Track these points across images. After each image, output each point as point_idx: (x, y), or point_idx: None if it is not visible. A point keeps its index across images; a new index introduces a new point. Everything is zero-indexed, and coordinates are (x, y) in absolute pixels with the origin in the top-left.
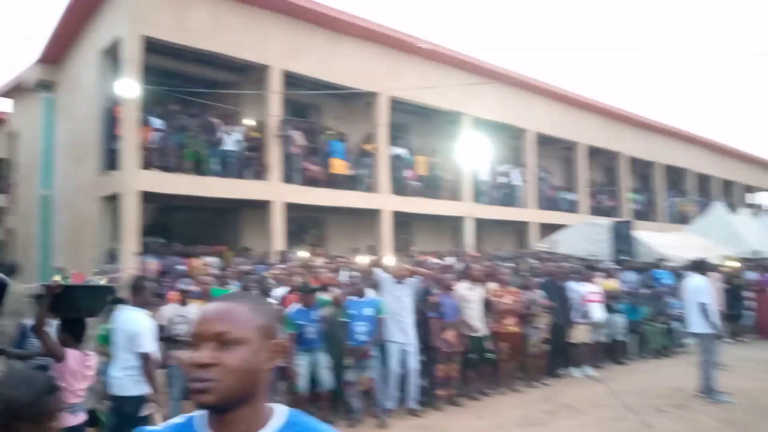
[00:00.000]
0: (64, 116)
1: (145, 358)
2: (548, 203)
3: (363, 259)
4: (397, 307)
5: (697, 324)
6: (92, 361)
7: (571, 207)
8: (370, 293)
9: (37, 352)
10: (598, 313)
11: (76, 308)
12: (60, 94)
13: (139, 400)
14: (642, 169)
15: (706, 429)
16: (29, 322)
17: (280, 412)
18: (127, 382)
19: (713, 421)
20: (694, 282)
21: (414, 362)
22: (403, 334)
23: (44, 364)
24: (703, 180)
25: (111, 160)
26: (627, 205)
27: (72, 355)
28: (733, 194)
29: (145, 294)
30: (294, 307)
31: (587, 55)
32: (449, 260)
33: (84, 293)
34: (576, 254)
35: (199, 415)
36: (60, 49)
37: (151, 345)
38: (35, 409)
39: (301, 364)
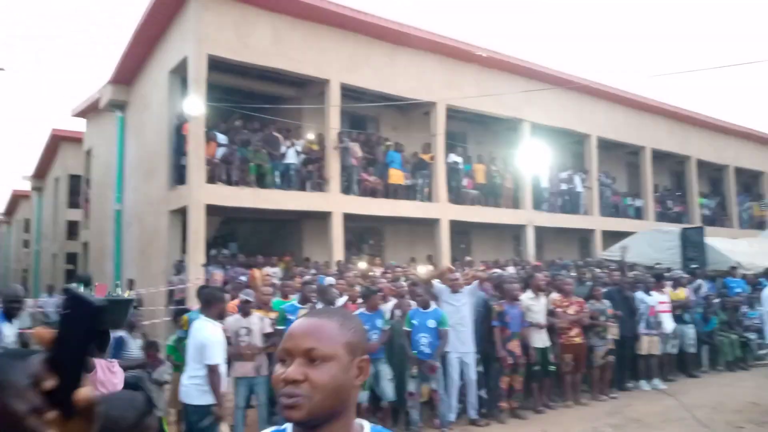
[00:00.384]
0: (135, 134)
1: (211, 369)
2: (613, 210)
3: (422, 269)
4: (456, 318)
5: None
6: (116, 369)
7: (638, 214)
8: (433, 305)
9: (137, 362)
10: (667, 323)
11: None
12: (131, 113)
13: (203, 410)
14: (712, 172)
15: None
16: (124, 333)
17: (366, 428)
18: (193, 390)
19: None
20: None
21: (473, 373)
22: (461, 344)
23: (139, 376)
24: None
25: (179, 175)
26: (697, 210)
27: (99, 364)
28: None
29: (220, 306)
30: (357, 312)
31: (652, 56)
32: (510, 270)
33: (107, 306)
34: (643, 263)
35: (290, 428)
36: (131, 69)
37: (218, 357)
38: (137, 430)
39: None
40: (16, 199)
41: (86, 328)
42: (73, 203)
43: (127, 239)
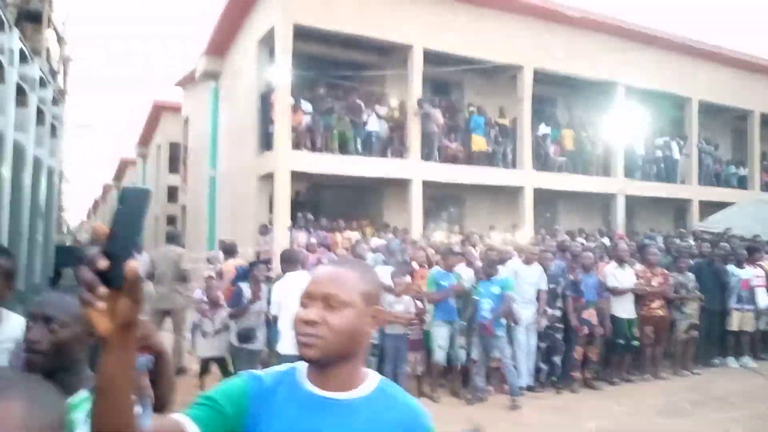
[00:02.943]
0: (227, 103)
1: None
2: (714, 179)
3: (496, 238)
4: (528, 289)
5: None
6: None
7: (742, 183)
8: (500, 272)
9: (244, 308)
10: (762, 299)
11: None
12: (224, 83)
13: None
14: None
15: None
16: (244, 286)
17: (373, 378)
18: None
19: None
20: None
21: (533, 341)
22: (527, 314)
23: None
24: None
25: (267, 142)
26: None
27: None
28: None
29: (297, 265)
30: (436, 268)
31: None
32: (597, 240)
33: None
34: (744, 235)
35: (302, 366)
36: (223, 40)
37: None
38: None
39: (441, 336)
40: (124, 165)
41: (139, 212)
42: (173, 169)
43: (220, 203)
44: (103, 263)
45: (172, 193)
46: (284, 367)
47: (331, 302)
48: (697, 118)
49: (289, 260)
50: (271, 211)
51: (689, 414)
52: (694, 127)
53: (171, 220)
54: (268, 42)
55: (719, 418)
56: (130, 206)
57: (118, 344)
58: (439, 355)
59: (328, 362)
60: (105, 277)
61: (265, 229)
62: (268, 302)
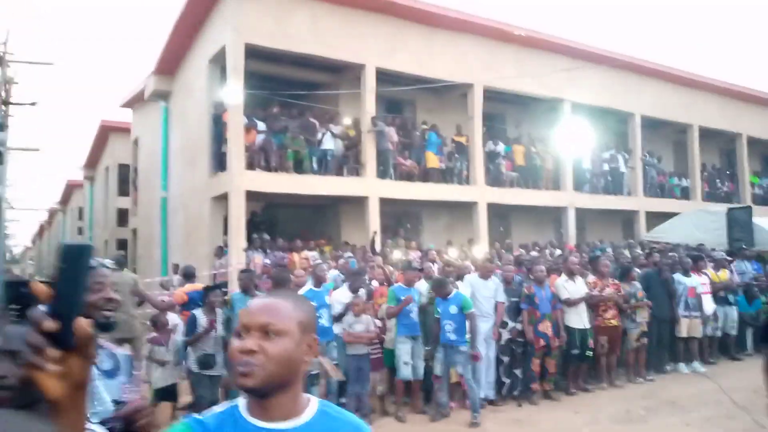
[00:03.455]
0: (178, 123)
1: None
2: (658, 190)
3: (453, 253)
4: (486, 304)
5: None
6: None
7: (684, 194)
8: (455, 289)
9: (201, 335)
10: (708, 305)
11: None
12: (174, 102)
13: None
14: (766, 150)
15: None
16: (198, 312)
17: (313, 402)
18: None
19: None
20: None
21: (492, 353)
22: (485, 327)
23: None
24: None
25: (220, 163)
26: (748, 190)
27: None
28: None
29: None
30: (397, 284)
31: (698, 31)
32: (548, 252)
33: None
34: (688, 243)
35: (241, 402)
36: (173, 60)
37: None
38: None
39: (405, 351)
40: (71, 188)
41: (82, 270)
42: (123, 191)
43: (173, 225)
44: (51, 325)
45: (122, 216)
46: (224, 405)
47: (268, 331)
48: (640, 133)
49: (280, 280)
50: (225, 232)
51: (644, 420)
52: (638, 141)
53: (122, 245)
54: (219, 61)
55: (673, 422)
56: (71, 263)
57: (71, 407)
58: (405, 372)
59: (267, 392)
60: (54, 337)
61: (220, 252)
62: (224, 326)
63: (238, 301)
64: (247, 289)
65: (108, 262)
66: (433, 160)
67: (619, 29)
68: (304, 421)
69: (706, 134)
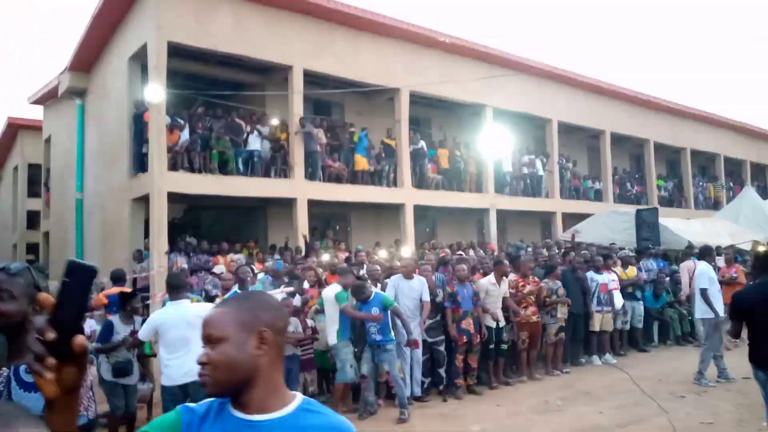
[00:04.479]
0: (95, 122)
1: None
2: (574, 193)
3: (382, 254)
4: (411, 303)
5: (699, 310)
6: None
7: (598, 196)
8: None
9: (117, 344)
10: (618, 301)
11: None
12: (90, 100)
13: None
14: (670, 155)
15: (723, 413)
16: (115, 318)
17: (296, 398)
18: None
19: (731, 406)
20: (698, 268)
21: (418, 353)
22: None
23: (129, 358)
24: (734, 165)
25: (140, 163)
26: (655, 192)
27: None
28: (766, 178)
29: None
30: (336, 288)
31: (611, 41)
32: (471, 252)
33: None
34: (600, 243)
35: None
36: (89, 56)
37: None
38: None
39: (348, 353)
40: None
41: (84, 288)
42: (33, 192)
43: (89, 228)
44: (51, 335)
45: (33, 219)
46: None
47: (210, 341)
48: (557, 137)
49: (175, 286)
50: (146, 235)
51: (562, 410)
52: (554, 146)
53: (32, 249)
54: (140, 59)
55: (587, 411)
56: (76, 280)
57: (64, 406)
58: (350, 375)
59: (228, 394)
60: (53, 347)
61: (140, 255)
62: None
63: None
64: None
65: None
66: (362, 163)
67: (538, 38)
68: (281, 414)
69: (617, 140)
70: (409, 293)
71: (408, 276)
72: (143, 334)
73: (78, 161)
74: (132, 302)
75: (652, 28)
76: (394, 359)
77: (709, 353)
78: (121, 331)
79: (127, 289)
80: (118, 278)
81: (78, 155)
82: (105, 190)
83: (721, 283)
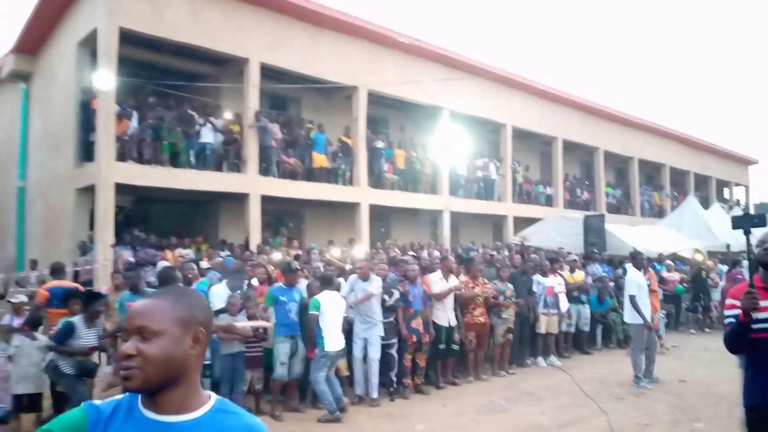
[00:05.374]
0: (40, 107)
1: None
2: (525, 197)
3: (335, 253)
4: (366, 304)
5: (628, 315)
6: None
7: (549, 201)
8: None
9: (81, 350)
10: (563, 304)
11: None
12: (35, 85)
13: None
14: (619, 163)
15: (658, 414)
16: (77, 320)
17: (209, 398)
18: None
19: (666, 407)
20: (628, 275)
21: (375, 353)
22: (368, 328)
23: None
24: (679, 175)
25: (87, 152)
26: (603, 199)
27: None
28: (708, 189)
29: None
30: (276, 284)
31: (566, 50)
32: (425, 253)
33: None
34: (549, 247)
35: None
36: (36, 39)
37: None
38: None
39: (283, 351)
40: None
41: None
42: None
43: (31, 218)
44: None
45: None
46: (121, 395)
47: (144, 334)
48: (511, 142)
49: (166, 278)
50: (91, 227)
51: (505, 410)
52: (508, 150)
53: None
54: (89, 44)
55: (530, 411)
56: None
57: None
58: (281, 371)
59: (152, 391)
60: None
61: (84, 247)
62: (99, 336)
63: (127, 300)
64: (136, 288)
65: None
66: (320, 160)
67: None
68: (197, 416)
69: (569, 147)
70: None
71: (364, 277)
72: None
73: (21, 148)
74: (96, 304)
75: (606, 38)
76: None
77: (637, 355)
78: (83, 334)
79: (66, 282)
80: (57, 270)
81: (21, 141)
82: (49, 178)
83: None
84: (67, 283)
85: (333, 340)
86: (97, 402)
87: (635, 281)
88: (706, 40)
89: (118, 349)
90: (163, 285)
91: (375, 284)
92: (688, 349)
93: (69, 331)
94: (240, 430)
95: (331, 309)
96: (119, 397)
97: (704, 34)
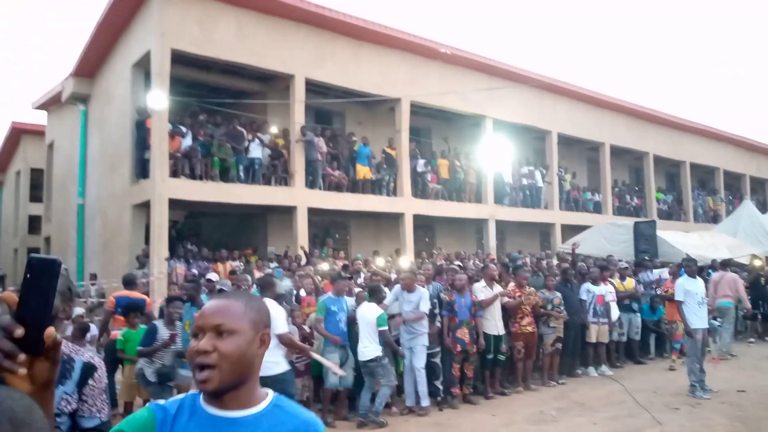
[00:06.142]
0: (98, 128)
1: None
2: (573, 204)
3: (380, 263)
4: (407, 313)
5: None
6: None
7: (597, 208)
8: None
9: (165, 343)
10: (614, 312)
11: None
12: (93, 106)
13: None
14: (670, 168)
15: (716, 426)
16: (158, 323)
17: (267, 395)
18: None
19: (724, 419)
20: (677, 281)
21: (419, 362)
22: (411, 337)
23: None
24: (734, 178)
25: (142, 169)
26: (654, 205)
27: None
28: (765, 192)
29: (274, 289)
30: (326, 294)
31: (612, 54)
32: (470, 263)
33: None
34: (597, 255)
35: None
36: (93, 62)
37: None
38: None
39: (333, 360)
40: None
41: (48, 282)
42: (35, 197)
43: (90, 233)
44: (19, 332)
45: (34, 224)
46: (184, 395)
47: (220, 331)
48: (556, 149)
49: (265, 286)
50: (147, 241)
51: (556, 420)
52: (554, 157)
53: (33, 253)
54: (143, 66)
55: (581, 422)
56: (38, 275)
57: (39, 402)
58: (333, 380)
59: (228, 388)
60: (22, 342)
61: (143, 260)
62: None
63: (187, 312)
64: (194, 300)
65: None
66: (363, 172)
67: (537, 50)
68: (257, 410)
69: (617, 152)
70: (407, 307)
71: (408, 288)
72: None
73: (80, 167)
74: (171, 308)
75: (652, 41)
76: (388, 371)
77: (692, 363)
78: (164, 335)
79: (135, 292)
80: (128, 282)
81: (80, 161)
82: (106, 195)
83: (663, 298)
84: (136, 294)
85: (362, 349)
86: (161, 402)
87: (682, 287)
88: (757, 40)
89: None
90: (264, 291)
91: (424, 298)
92: (747, 358)
93: (152, 333)
94: (297, 424)
95: (362, 319)
96: (182, 396)
97: (755, 34)
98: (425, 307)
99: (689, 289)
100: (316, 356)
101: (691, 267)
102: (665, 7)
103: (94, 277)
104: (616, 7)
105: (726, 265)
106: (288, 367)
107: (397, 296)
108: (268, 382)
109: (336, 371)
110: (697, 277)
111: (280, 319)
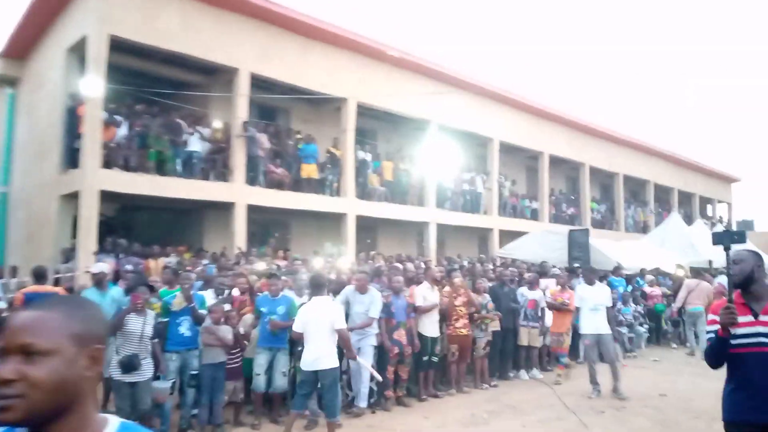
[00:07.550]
0: (26, 112)
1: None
2: (511, 211)
3: (319, 262)
4: (358, 316)
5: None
6: None
7: (534, 215)
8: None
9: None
10: (546, 317)
11: None
12: (23, 90)
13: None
14: (604, 179)
15: (638, 429)
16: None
17: (111, 423)
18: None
19: (647, 422)
20: (576, 289)
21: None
22: (360, 338)
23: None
24: (663, 191)
25: (72, 159)
26: (588, 214)
27: None
28: (692, 206)
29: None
30: (261, 294)
31: (552, 65)
32: (409, 265)
33: None
34: (533, 260)
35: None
36: (25, 44)
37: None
38: None
39: (260, 363)
40: None
41: None
42: None
43: (13, 224)
44: None
45: None
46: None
47: (30, 353)
48: (498, 156)
49: (317, 285)
50: (74, 235)
51: (487, 423)
52: (495, 164)
53: None
54: (79, 50)
55: (511, 424)
56: None
57: None
58: (258, 382)
59: (39, 422)
60: None
61: (69, 254)
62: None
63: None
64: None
65: None
66: (308, 170)
67: (483, 58)
68: None
69: (555, 162)
70: (359, 309)
71: (361, 290)
72: (296, 326)
73: (5, 153)
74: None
75: (591, 54)
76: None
77: (589, 367)
78: (131, 322)
79: (48, 287)
80: (39, 275)
81: (6, 147)
82: (33, 184)
83: (551, 307)
84: (48, 288)
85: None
86: None
87: (578, 294)
88: (692, 58)
89: None
90: (316, 291)
91: (375, 301)
92: (669, 363)
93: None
94: None
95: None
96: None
97: (689, 53)
98: (375, 312)
99: (582, 296)
100: (361, 361)
101: (588, 275)
102: (613, 23)
103: (15, 270)
104: (563, 20)
105: (699, 273)
106: (337, 364)
107: (348, 297)
108: (320, 375)
109: (376, 377)
110: (597, 283)
111: (339, 315)
